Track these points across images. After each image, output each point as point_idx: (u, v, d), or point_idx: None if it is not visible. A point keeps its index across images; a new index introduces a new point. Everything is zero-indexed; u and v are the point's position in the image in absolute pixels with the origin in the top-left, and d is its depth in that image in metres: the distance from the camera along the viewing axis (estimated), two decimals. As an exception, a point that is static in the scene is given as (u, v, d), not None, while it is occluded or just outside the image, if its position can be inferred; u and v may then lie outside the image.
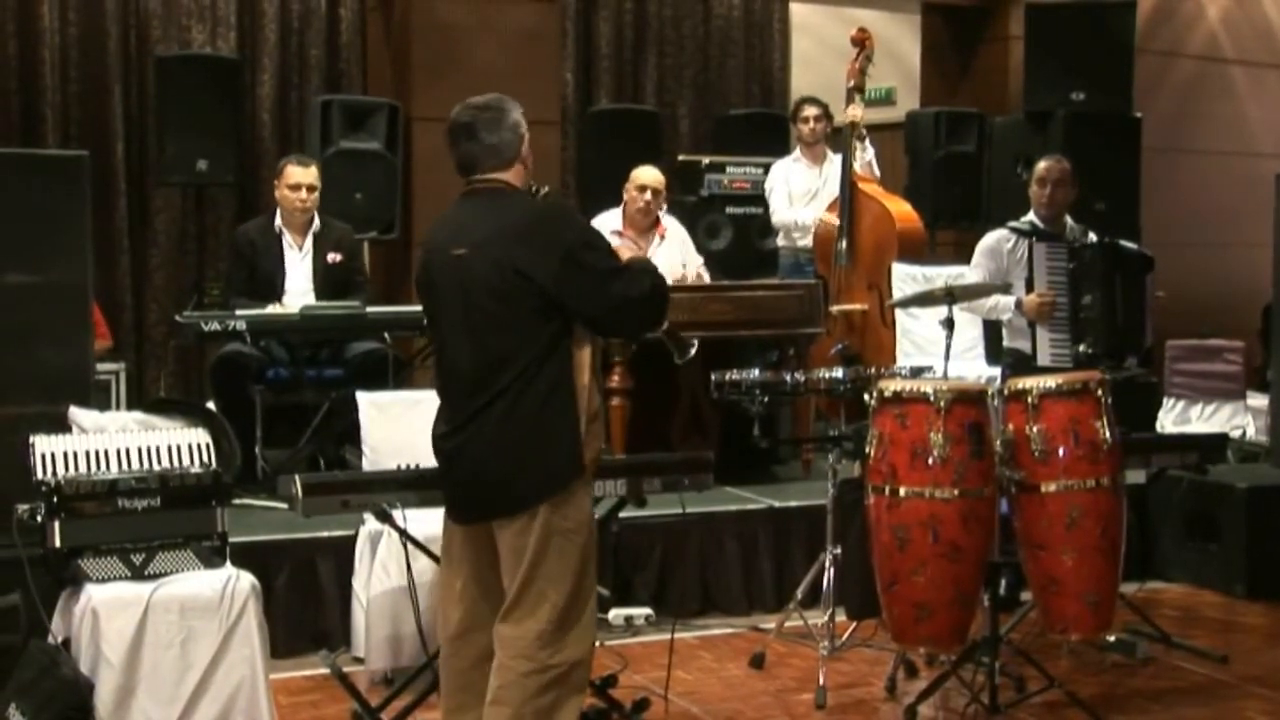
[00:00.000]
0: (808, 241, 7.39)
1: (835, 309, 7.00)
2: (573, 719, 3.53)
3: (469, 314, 3.51)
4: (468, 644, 3.64)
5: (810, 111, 7.51)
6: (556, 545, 3.46)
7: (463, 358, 3.54)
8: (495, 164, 3.55)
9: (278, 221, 6.29)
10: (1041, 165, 5.69)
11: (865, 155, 7.22)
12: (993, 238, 5.70)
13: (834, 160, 7.41)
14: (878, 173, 7.32)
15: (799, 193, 7.50)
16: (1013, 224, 5.70)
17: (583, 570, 3.52)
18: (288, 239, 6.28)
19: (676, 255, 6.53)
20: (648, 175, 6.50)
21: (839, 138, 7.34)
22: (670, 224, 6.67)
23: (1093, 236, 5.67)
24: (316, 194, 6.26)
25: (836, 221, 7.11)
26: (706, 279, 6.63)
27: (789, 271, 7.50)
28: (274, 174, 6.79)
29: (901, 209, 7.24)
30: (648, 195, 6.41)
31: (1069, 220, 5.68)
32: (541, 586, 3.47)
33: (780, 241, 7.67)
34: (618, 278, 3.51)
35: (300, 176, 6.21)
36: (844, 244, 7.09)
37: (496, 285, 3.44)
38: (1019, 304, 5.54)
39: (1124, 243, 5.68)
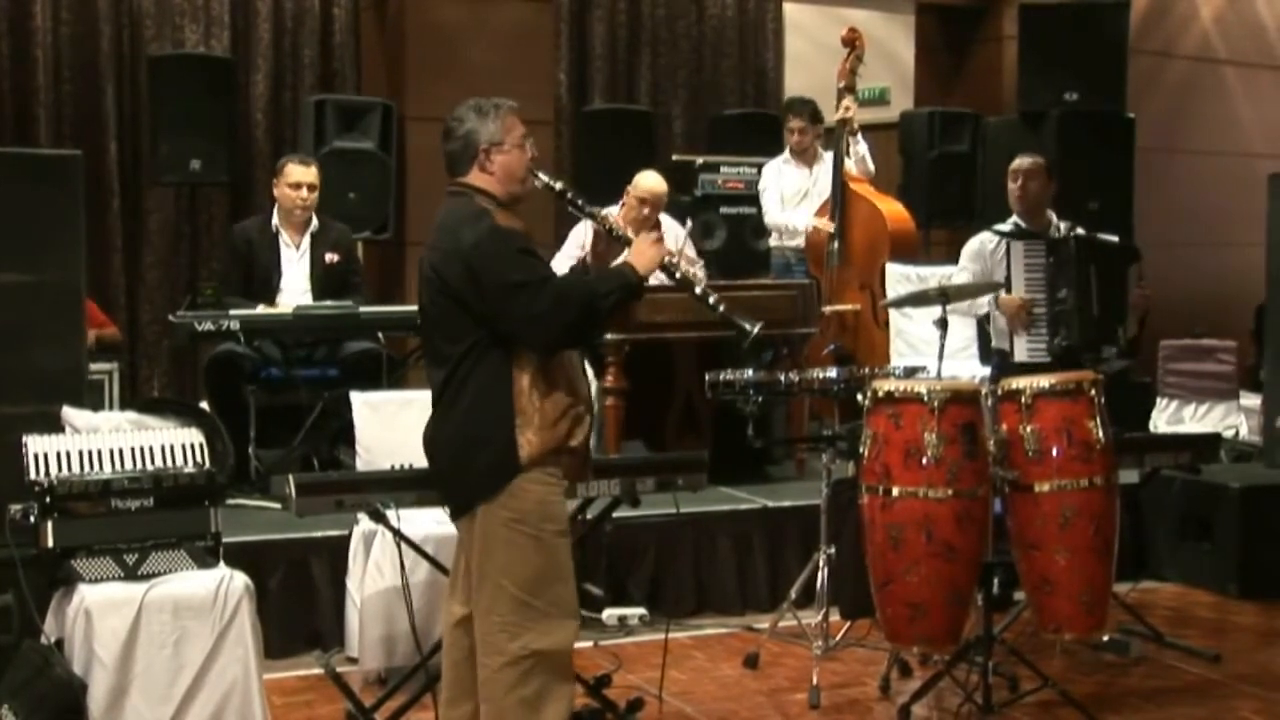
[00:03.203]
0: (798, 242, 7.39)
1: (828, 309, 7.01)
2: (563, 708, 3.52)
3: (422, 313, 3.66)
4: (465, 635, 3.64)
5: (795, 124, 7.46)
6: (503, 537, 3.47)
7: (426, 357, 3.70)
8: (454, 169, 3.63)
9: (275, 220, 6.29)
10: (1014, 162, 5.69)
11: (858, 149, 7.21)
12: (976, 241, 5.69)
13: (825, 160, 7.40)
14: (872, 167, 7.31)
15: (790, 193, 7.49)
16: (996, 227, 5.70)
17: (542, 559, 3.49)
18: (285, 238, 6.27)
19: None
20: (650, 188, 6.38)
21: (833, 136, 7.34)
22: (665, 223, 6.65)
23: (1080, 231, 5.65)
24: (316, 194, 6.25)
25: (829, 229, 7.10)
26: (703, 280, 6.60)
27: (780, 272, 7.49)
28: (269, 173, 6.80)
29: (893, 209, 7.25)
30: (646, 210, 6.38)
31: (1053, 218, 5.67)
32: (495, 578, 3.49)
33: (772, 242, 7.66)
34: (518, 292, 3.43)
35: (301, 175, 6.20)
36: (836, 244, 7.09)
37: (429, 286, 3.55)
38: (996, 300, 5.52)
39: (1102, 235, 5.66)
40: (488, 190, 3.58)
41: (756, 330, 3.86)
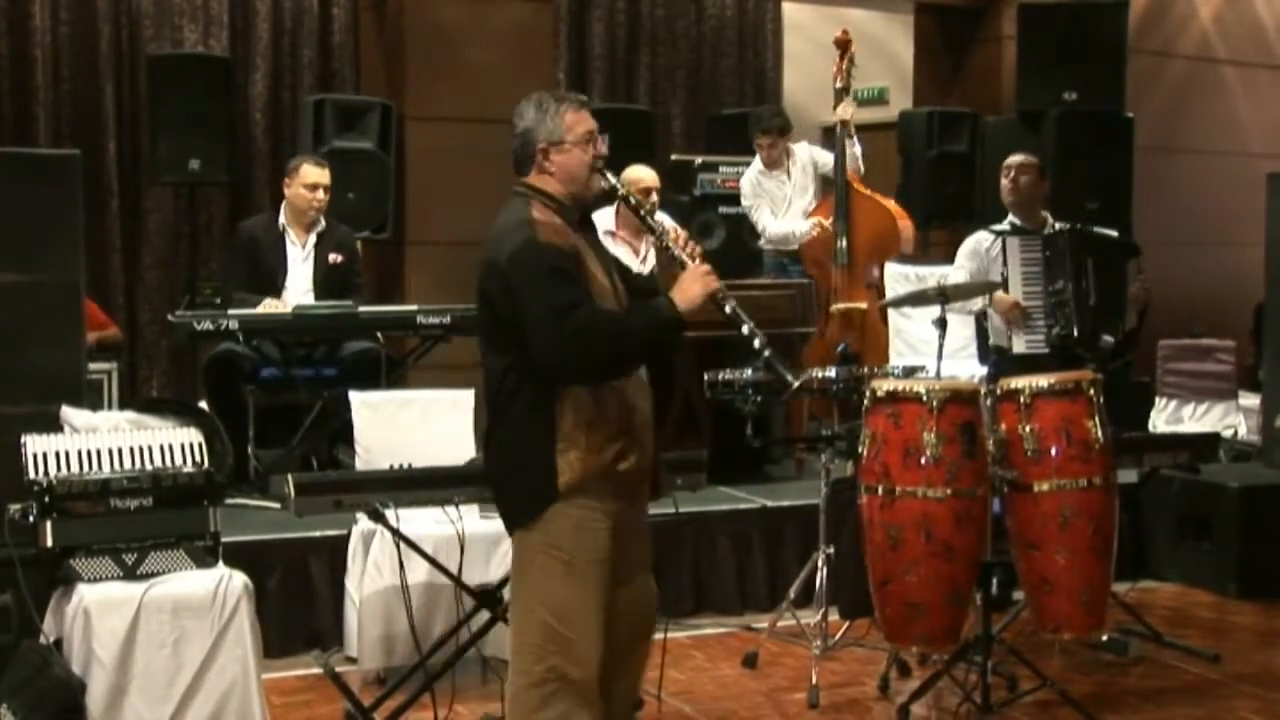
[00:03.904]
0: (791, 245, 7.39)
1: (835, 308, 7.00)
2: None
3: (477, 321, 3.51)
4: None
5: (763, 140, 7.42)
6: (540, 563, 3.38)
7: (481, 362, 3.51)
8: (517, 169, 3.47)
9: (282, 219, 6.29)
10: (1006, 159, 5.71)
11: (853, 150, 7.21)
12: (972, 240, 5.70)
13: (796, 155, 7.39)
14: (862, 169, 7.31)
15: (776, 202, 7.48)
16: (993, 226, 5.70)
17: (575, 586, 3.37)
18: (291, 236, 6.28)
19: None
20: (649, 177, 6.41)
21: (832, 137, 7.34)
22: (661, 220, 6.63)
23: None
24: (328, 195, 6.26)
25: (830, 230, 7.09)
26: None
27: (776, 273, 7.47)
28: (269, 173, 6.82)
29: (897, 208, 7.26)
30: (654, 198, 6.38)
31: (1049, 218, 5.67)
32: (528, 600, 3.42)
33: (764, 244, 7.65)
34: (542, 322, 3.21)
35: (317, 176, 6.21)
36: (843, 243, 7.08)
37: (478, 296, 3.40)
38: (992, 299, 5.53)
39: (1099, 229, 5.67)
40: (547, 191, 3.39)
41: (797, 384, 3.78)
